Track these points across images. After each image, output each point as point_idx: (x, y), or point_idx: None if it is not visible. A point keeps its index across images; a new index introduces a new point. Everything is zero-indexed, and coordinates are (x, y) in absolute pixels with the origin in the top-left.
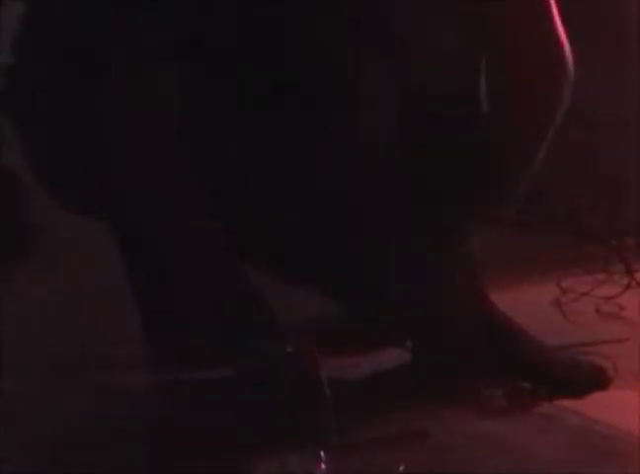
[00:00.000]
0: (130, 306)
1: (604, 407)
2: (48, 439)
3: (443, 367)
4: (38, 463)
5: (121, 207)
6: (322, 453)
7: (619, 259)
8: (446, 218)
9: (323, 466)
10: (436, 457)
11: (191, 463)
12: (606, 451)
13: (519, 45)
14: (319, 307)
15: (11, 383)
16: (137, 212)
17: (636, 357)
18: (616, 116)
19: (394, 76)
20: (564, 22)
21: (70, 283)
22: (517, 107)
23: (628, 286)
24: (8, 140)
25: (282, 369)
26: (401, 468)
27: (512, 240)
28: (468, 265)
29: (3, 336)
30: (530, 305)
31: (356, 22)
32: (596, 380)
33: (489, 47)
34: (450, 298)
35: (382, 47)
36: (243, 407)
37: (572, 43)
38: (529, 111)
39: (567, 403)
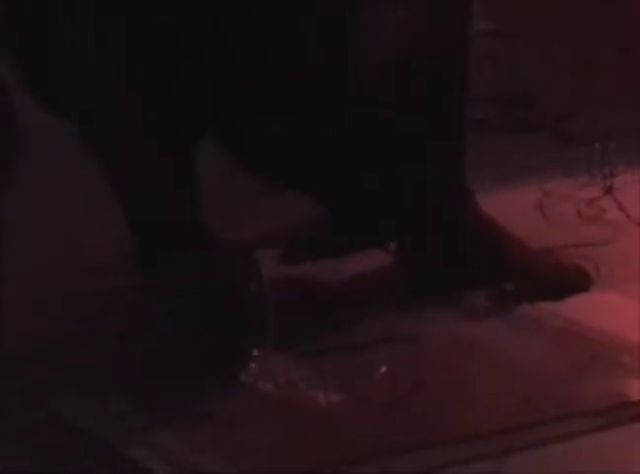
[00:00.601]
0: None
1: (587, 309)
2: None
3: (427, 269)
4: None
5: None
6: (254, 353)
7: (602, 162)
8: (432, 121)
9: (253, 366)
10: (418, 359)
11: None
12: (589, 353)
13: None
14: (299, 211)
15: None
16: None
17: (617, 260)
18: (599, 26)
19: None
20: None
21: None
22: None
23: (610, 189)
24: None
25: (212, 264)
26: (383, 369)
27: (494, 143)
28: (455, 166)
29: None
30: (513, 207)
31: None
32: (578, 282)
33: None
34: (435, 200)
35: None
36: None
37: None
38: None
39: (550, 305)
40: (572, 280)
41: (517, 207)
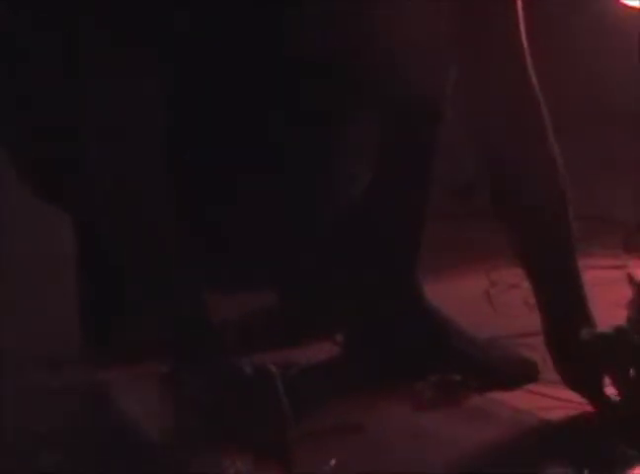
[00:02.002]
0: None
1: (534, 399)
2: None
3: (375, 360)
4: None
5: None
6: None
7: None
8: (383, 213)
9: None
10: (367, 450)
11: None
12: (536, 442)
13: None
14: (247, 303)
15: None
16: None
17: None
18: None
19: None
20: None
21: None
22: None
23: None
24: None
25: (242, 391)
26: (332, 462)
27: (441, 232)
28: (405, 260)
29: None
30: (460, 297)
31: None
32: (525, 372)
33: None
34: (383, 292)
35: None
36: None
37: None
38: None
39: (497, 395)
40: (519, 370)
41: (465, 296)
